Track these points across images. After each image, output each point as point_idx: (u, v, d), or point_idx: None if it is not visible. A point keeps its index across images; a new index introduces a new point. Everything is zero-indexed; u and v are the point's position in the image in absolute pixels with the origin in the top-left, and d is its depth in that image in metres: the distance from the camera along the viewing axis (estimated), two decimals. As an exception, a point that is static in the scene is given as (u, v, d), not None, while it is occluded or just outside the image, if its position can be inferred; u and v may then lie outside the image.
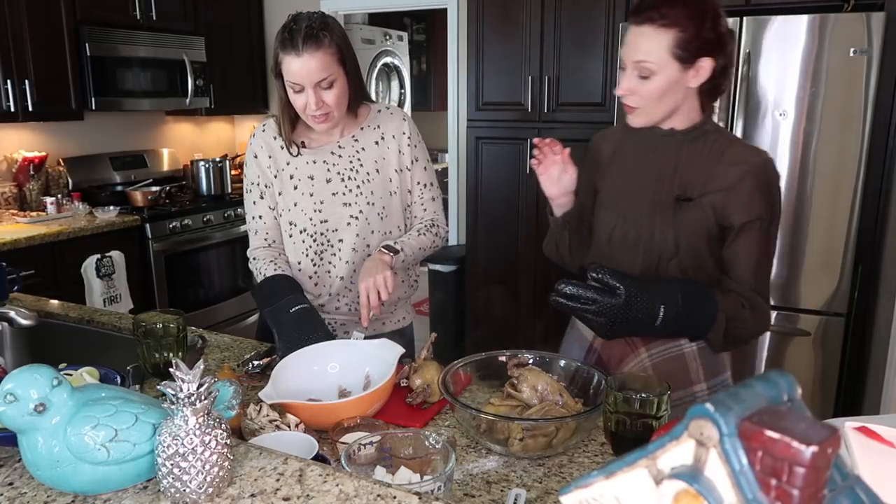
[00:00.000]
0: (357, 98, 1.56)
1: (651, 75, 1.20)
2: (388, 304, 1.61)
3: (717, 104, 1.32)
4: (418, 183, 1.65)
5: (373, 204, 1.59)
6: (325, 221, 1.58)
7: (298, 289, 1.50)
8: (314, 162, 1.59)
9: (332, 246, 1.60)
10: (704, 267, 1.27)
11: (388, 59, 5.38)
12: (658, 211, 1.28)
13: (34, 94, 3.19)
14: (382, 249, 1.51)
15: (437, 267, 3.70)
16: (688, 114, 1.27)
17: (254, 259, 1.62)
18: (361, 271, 1.48)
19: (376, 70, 5.24)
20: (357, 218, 1.58)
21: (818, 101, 2.50)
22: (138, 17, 3.65)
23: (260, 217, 1.63)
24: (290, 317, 1.40)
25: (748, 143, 1.29)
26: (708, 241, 1.26)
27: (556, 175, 1.32)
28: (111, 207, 3.49)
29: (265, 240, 1.63)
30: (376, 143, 1.61)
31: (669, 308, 1.17)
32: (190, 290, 3.73)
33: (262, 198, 1.63)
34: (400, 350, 1.27)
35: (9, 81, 3.10)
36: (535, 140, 1.33)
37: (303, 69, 1.42)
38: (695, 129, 1.27)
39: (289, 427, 1.06)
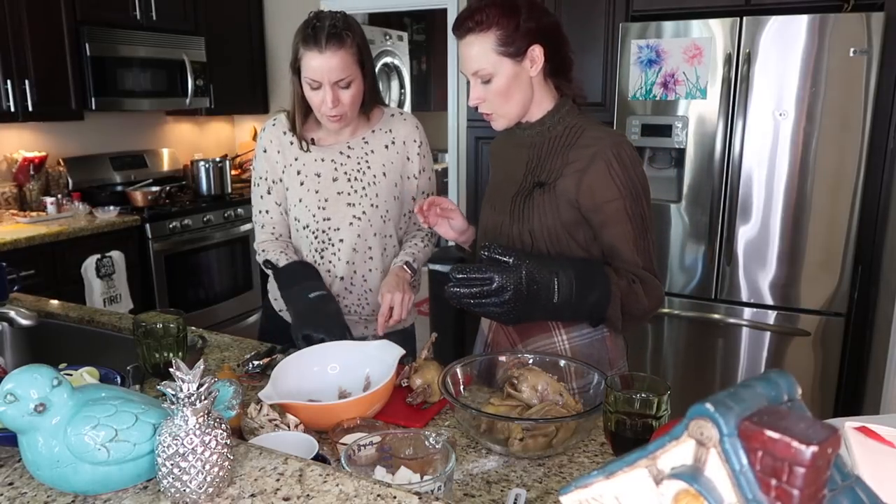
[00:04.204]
0: (371, 100, 1.58)
1: (491, 78, 1.26)
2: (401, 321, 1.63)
3: (572, 82, 1.35)
4: (423, 192, 1.69)
5: (377, 206, 1.61)
6: (328, 219, 1.60)
7: (317, 275, 1.52)
8: (322, 160, 1.60)
9: (332, 245, 1.61)
10: (566, 252, 1.29)
11: (388, 59, 5.38)
12: (517, 198, 1.33)
13: (34, 94, 3.20)
14: (403, 267, 1.57)
15: (437, 267, 3.70)
16: (540, 104, 1.32)
17: (262, 251, 1.62)
18: (384, 283, 1.54)
19: (376, 70, 5.24)
20: (360, 218, 1.60)
21: (818, 101, 2.50)
22: (138, 17, 3.66)
23: (267, 212, 1.64)
24: (310, 301, 1.43)
25: (604, 127, 1.32)
26: (564, 224, 1.28)
27: (445, 226, 1.44)
28: (111, 207, 3.49)
29: (272, 233, 1.64)
30: (386, 146, 1.63)
31: (563, 282, 1.17)
32: (190, 290, 3.73)
33: (269, 193, 1.64)
34: (400, 351, 1.28)
35: (9, 81, 3.10)
36: (416, 209, 1.42)
37: (324, 67, 1.44)
38: (550, 118, 1.32)
39: (288, 427, 1.06)
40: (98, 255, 3.22)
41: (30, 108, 3.19)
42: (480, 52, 1.24)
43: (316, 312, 1.41)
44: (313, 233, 1.61)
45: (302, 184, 1.60)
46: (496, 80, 1.26)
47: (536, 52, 1.26)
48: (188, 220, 3.67)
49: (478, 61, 1.25)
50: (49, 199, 3.44)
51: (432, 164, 1.72)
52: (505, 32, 1.23)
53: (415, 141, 1.65)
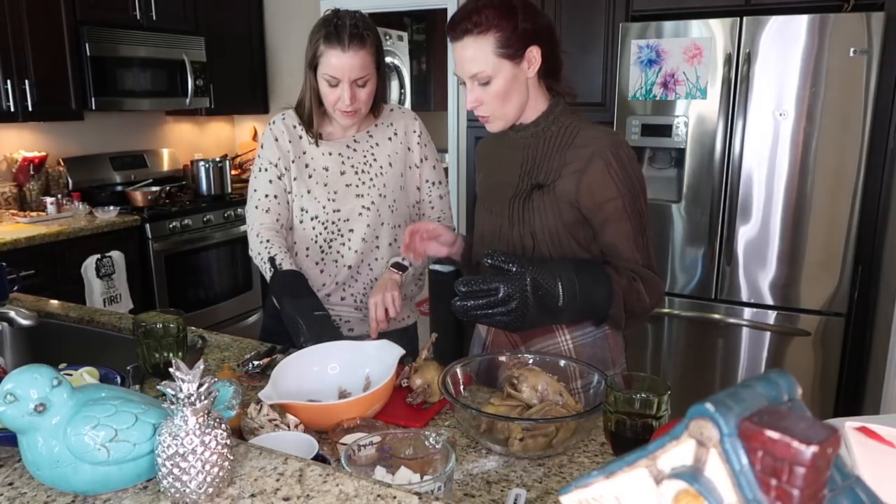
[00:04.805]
0: (380, 98, 1.63)
1: (490, 80, 1.24)
2: (395, 320, 1.62)
3: (561, 81, 1.34)
4: (427, 181, 1.72)
5: (384, 196, 1.65)
6: (338, 211, 1.63)
7: (314, 292, 1.52)
8: (330, 154, 1.64)
9: (342, 235, 1.64)
10: (567, 253, 1.29)
11: (388, 59, 5.38)
12: (516, 201, 1.32)
13: (34, 94, 3.19)
14: (392, 268, 1.58)
15: (438, 267, 3.70)
16: (535, 105, 1.31)
17: (267, 241, 1.58)
18: (374, 288, 1.55)
19: (376, 70, 5.24)
20: (369, 209, 1.63)
21: (818, 101, 2.50)
22: (138, 17, 3.66)
23: (275, 196, 1.64)
24: (317, 319, 1.43)
25: (599, 126, 1.31)
26: (565, 225, 1.28)
27: (434, 246, 1.45)
28: (111, 207, 3.49)
29: (277, 220, 1.64)
30: (389, 139, 1.68)
31: (566, 285, 1.16)
32: (190, 290, 3.73)
33: (279, 178, 1.64)
34: (400, 351, 1.28)
35: (9, 81, 3.10)
36: (402, 249, 1.44)
37: (345, 65, 1.48)
38: (545, 118, 1.32)
39: (288, 427, 1.06)
40: (98, 255, 3.22)
41: (30, 108, 3.19)
42: (479, 54, 1.23)
43: (323, 332, 1.40)
44: (322, 223, 1.63)
45: (310, 176, 1.63)
46: (495, 83, 1.24)
47: (534, 53, 1.25)
48: (188, 220, 3.67)
49: (477, 64, 1.23)
50: (49, 199, 3.44)
51: (436, 154, 1.75)
52: (504, 34, 1.22)
53: (414, 131, 1.70)
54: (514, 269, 1.15)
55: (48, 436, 0.79)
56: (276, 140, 1.64)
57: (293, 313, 1.46)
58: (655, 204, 2.78)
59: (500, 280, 1.14)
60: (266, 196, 1.64)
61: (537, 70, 1.27)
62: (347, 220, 1.63)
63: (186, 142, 4.49)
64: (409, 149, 1.69)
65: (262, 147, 1.68)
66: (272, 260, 1.56)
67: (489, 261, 1.16)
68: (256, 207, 1.65)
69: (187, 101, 3.93)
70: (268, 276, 1.56)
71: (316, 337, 1.37)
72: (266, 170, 1.65)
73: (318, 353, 1.31)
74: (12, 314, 1.45)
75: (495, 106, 1.28)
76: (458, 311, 1.16)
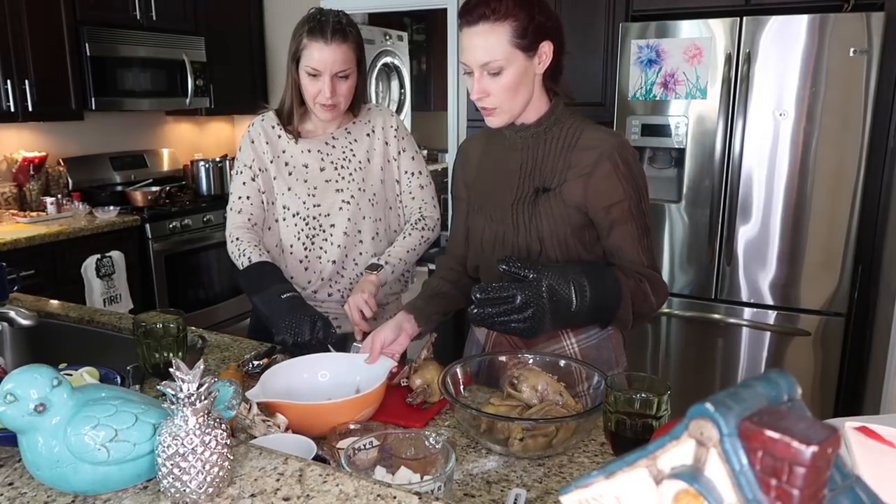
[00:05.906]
0: (360, 98, 1.66)
1: (501, 70, 1.21)
2: (378, 315, 1.60)
3: (562, 84, 1.32)
4: (405, 172, 1.74)
5: (364, 190, 1.67)
6: (318, 206, 1.65)
7: (285, 279, 1.53)
8: (309, 151, 1.67)
9: (324, 231, 1.66)
10: (574, 256, 1.27)
11: (388, 59, 5.37)
12: (519, 206, 1.29)
13: (34, 94, 3.20)
14: (366, 270, 1.59)
15: (435, 267, 3.70)
16: (536, 105, 1.28)
17: (237, 240, 1.61)
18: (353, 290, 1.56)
19: (376, 70, 5.23)
20: (349, 203, 1.66)
21: (818, 101, 2.50)
22: (138, 17, 3.66)
23: (248, 198, 1.66)
24: (285, 302, 1.41)
25: (602, 128, 1.29)
26: (573, 229, 1.26)
27: (399, 346, 1.35)
28: (111, 207, 3.49)
29: (249, 220, 1.66)
30: (367, 135, 1.71)
31: (578, 289, 1.14)
32: (190, 290, 3.73)
33: (253, 180, 1.67)
34: (391, 363, 1.27)
35: (9, 81, 3.10)
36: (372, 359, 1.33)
37: (328, 58, 1.52)
38: (546, 119, 1.29)
39: (279, 427, 1.06)
40: (98, 255, 3.22)
41: (30, 108, 3.19)
42: (495, 42, 1.19)
43: (299, 313, 1.38)
44: (304, 220, 1.66)
45: (290, 174, 1.66)
46: (506, 74, 1.21)
47: (546, 49, 1.22)
48: (188, 220, 3.67)
49: (490, 52, 1.19)
50: (49, 199, 3.44)
51: (415, 147, 1.76)
52: (520, 24, 1.18)
53: (391, 126, 1.72)
54: (532, 276, 1.12)
55: (48, 436, 0.79)
56: (252, 142, 1.67)
57: (262, 309, 1.46)
58: (655, 204, 2.78)
59: (516, 287, 1.11)
60: (239, 198, 1.67)
61: (545, 68, 1.24)
62: (328, 214, 1.65)
63: (186, 142, 4.49)
64: (386, 143, 1.71)
65: (239, 150, 1.71)
66: (243, 253, 1.57)
67: (504, 267, 1.13)
68: (231, 209, 1.68)
69: (187, 101, 3.93)
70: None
71: (292, 324, 1.35)
72: (241, 172, 1.68)
73: (308, 360, 1.31)
74: (12, 314, 1.45)
75: (503, 98, 1.23)
76: (474, 318, 1.14)
